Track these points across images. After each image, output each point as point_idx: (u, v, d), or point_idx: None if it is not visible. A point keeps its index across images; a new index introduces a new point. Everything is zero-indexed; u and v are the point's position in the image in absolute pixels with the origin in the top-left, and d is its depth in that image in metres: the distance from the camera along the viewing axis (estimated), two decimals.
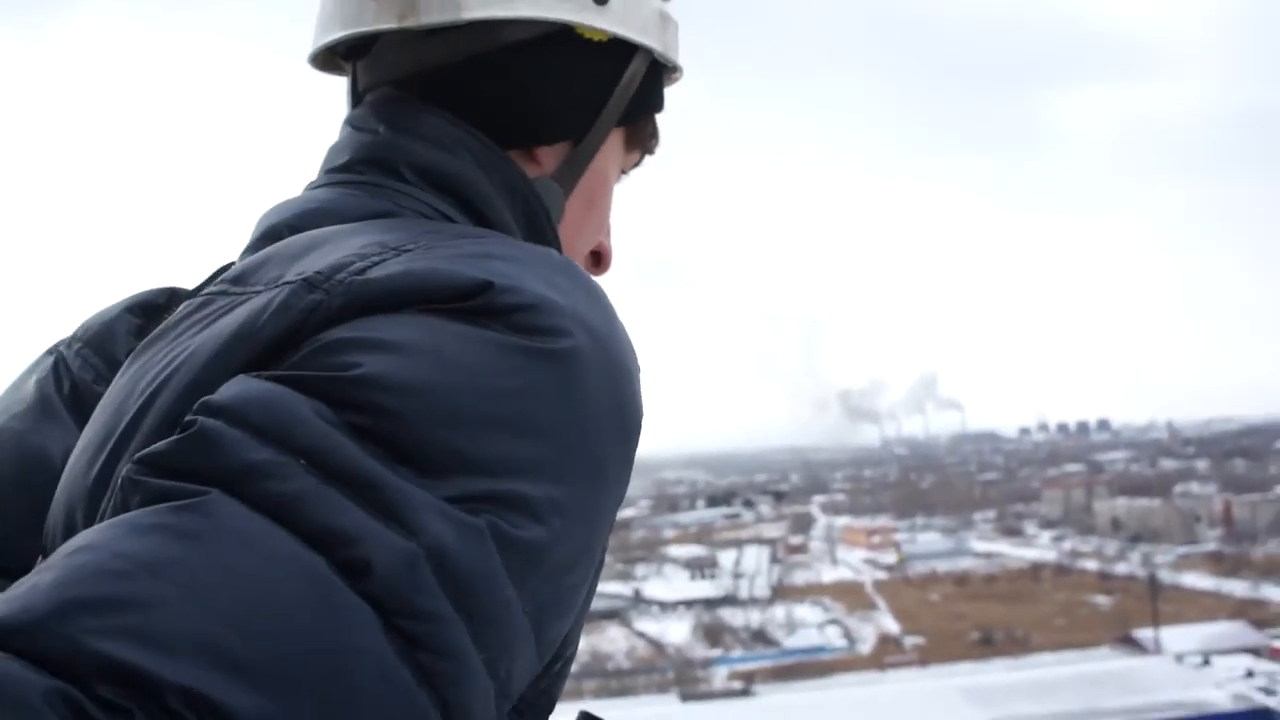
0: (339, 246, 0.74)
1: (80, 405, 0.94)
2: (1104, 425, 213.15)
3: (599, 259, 1.07)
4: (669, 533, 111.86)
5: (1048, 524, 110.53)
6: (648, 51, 0.99)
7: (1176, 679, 36.27)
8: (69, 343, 1.00)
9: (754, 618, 72.86)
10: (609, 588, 77.47)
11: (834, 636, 68.25)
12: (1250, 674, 38.28)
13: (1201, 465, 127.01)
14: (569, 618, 0.71)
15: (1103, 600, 74.20)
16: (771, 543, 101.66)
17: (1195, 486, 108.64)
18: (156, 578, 0.53)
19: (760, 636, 69.02)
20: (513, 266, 0.70)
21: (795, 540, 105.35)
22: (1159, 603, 53.73)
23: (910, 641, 66.40)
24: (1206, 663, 41.06)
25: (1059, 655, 50.02)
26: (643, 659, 63.86)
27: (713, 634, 68.97)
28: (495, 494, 0.62)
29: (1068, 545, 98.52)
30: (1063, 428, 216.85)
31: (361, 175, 0.90)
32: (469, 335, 0.65)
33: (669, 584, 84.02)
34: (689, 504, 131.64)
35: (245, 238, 0.91)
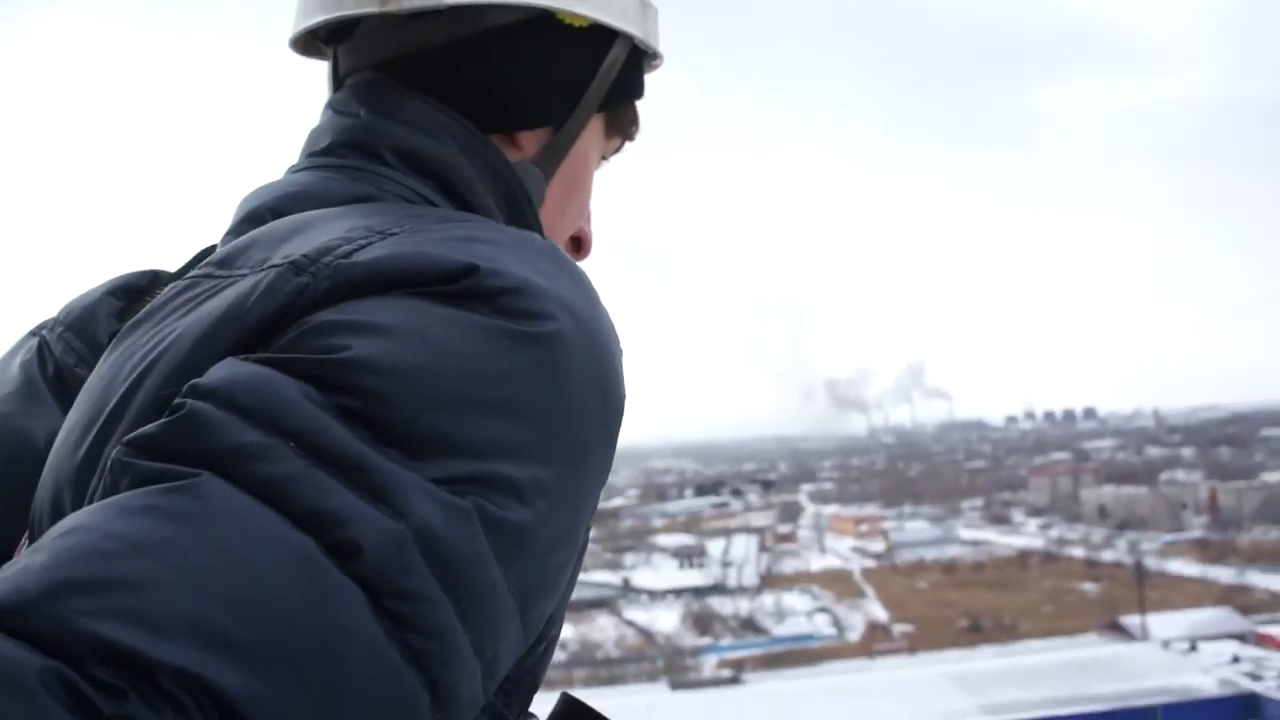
0: (324, 230, 0.74)
1: (63, 388, 0.93)
2: (1090, 414, 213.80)
3: (579, 244, 1.08)
4: (657, 522, 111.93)
5: (1035, 512, 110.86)
6: (628, 38, 1.00)
7: (1163, 665, 36.29)
8: (51, 325, 0.99)
9: (743, 606, 72.78)
10: (598, 577, 77.57)
11: (823, 624, 68.31)
12: (1236, 659, 38.27)
13: (1187, 453, 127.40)
14: (553, 598, 0.72)
15: (1090, 587, 74.34)
16: (760, 531, 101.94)
17: (1181, 474, 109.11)
18: (148, 558, 0.53)
19: (749, 625, 69.05)
20: (497, 250, 0.70)
21: (783, 529, 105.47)
22: (1145, 589, 53.64)
23: (899, 629, 66.44)
24: (1193, 649, 41.10)
25: (1047, 642, 49.96)
26: (632, 648, 63.75)
27: (702, 622, 68.90)
28: (481, 476, 0.63)
29: (1055, 533, 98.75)
30: (1049, 416, 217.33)
31: (343, 159, 0.90)
32: (455, 318, 0.66)
33: (658, 573, 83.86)
34: (677, 493, 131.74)
35: (226, 221, 0.91)
